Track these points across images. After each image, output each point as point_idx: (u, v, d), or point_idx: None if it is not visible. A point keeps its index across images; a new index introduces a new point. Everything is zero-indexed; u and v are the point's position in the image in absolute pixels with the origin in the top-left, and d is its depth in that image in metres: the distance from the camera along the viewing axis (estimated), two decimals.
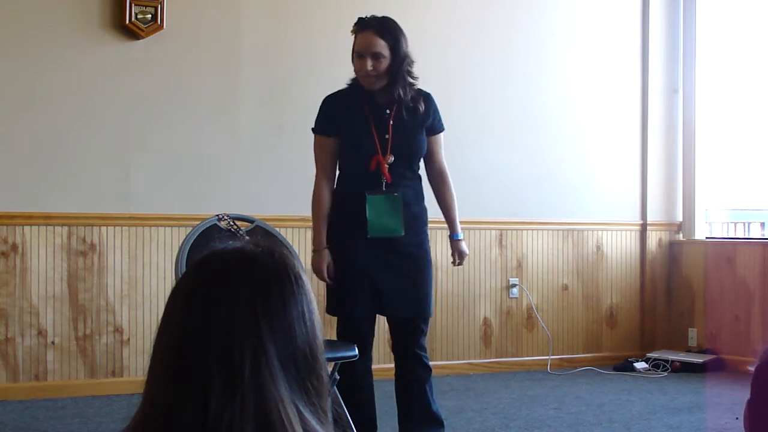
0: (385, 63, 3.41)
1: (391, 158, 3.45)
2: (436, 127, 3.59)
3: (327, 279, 3.51)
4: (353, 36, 3.50)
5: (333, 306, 3.57)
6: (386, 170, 3.44)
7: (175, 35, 5.19)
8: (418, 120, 3.51)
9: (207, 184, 5.25)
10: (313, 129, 3.59)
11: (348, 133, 3.49)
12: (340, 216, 3.53)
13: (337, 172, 3.60)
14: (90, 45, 5.05)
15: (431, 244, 3.71)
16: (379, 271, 3.48)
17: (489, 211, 5.92)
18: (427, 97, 3.56)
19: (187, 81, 5.25)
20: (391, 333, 3.68)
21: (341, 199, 3.54)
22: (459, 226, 3.67)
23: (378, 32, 3.42)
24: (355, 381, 3.52)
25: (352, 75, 3.58)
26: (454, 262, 3.72)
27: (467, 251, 3.72)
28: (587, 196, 6.27)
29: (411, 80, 3.49)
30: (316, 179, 3.56)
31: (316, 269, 3.53)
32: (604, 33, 6.37)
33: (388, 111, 3.48)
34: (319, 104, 3.61)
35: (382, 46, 3.41)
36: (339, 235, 3.54)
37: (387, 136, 3.45)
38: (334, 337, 3.64)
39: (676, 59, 6.52)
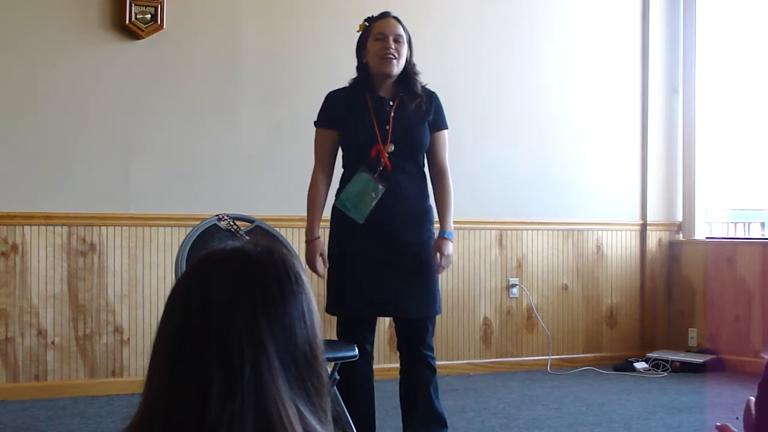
0: (403, 50, 3.48)
1: (391, 147, 3.45)
2: (439, 124, 3.59)
3: (318, 271, 3.50)
4: (361, 31, 3.55)
5: (332, 304, 3.55)
6: (386, 157, 3.44)
7: (175, 35, 5.19)
8: (420, 114, 3.52)
9: (207, 184, 5.25)
10: (315, 122, 3.61)
11: (349, 124, 3.50)
12: (341, 214, 3.51)
13: (341, 171, 3.61)
14: (90, 45, 5.05)
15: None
16: (380, 270, 3.46)
17: (489, 211, 5.92)
18: (430, 95, 3.58)
19: (187, 81, 5.25)
20: (396, 332, 3.64)
21: (349, 178, 3.51)
22: (450, 225, 3.57)
23: (398, 21, 3.53)
24: (355, 380, 3.51)
25: (352, 75, 3.59)
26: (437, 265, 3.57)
27: (450, 255, 3.53)
28: (587, 196, 6.27)
29: (419, 78, 3.55)
30: (313, 172, 3.57)
31: (309, 260, 3.51)
32: (605, 33, 6.38)
33: (390, 103, 3.50)
34: (322, 100, 3.63)
35: (403, 32, 3.50)
36: (339, 233, 3.53)
37: (387, 127, 3.46)
38: (334, 337, 3.63)
39: (676, 59, 6.52)
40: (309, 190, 3.57)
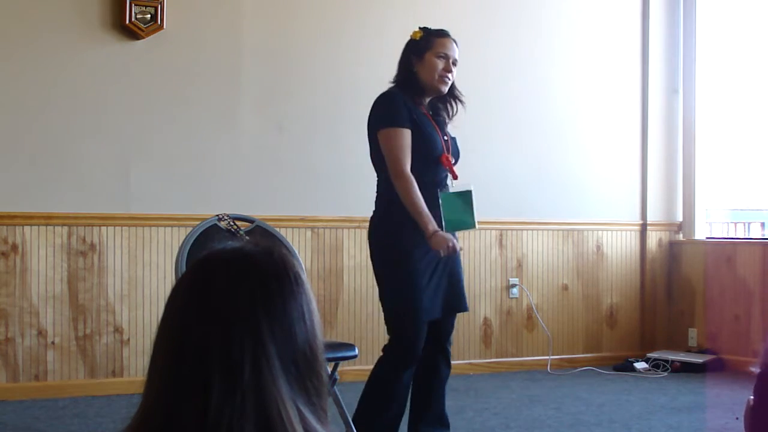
0: (455, 73, 3.57)
1: (453, 159, 3.57)
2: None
3: (455, 251, 3.43)
4: (417, 39, 3.56)
5: (410, 308, 3.45)
6: (453, 168, 3.55)
7: (175, 35, 5.19)
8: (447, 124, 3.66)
9: (207, 184, 5.25)
10: (385, 123, 3.47)
11: (421, 129, 3.48)
12: (401, 216, 3.44)
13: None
14: (90, 45, 5.05)
15: None
16: (442, 270, 3.51)
17: (489, 211, 5.91)
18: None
19: (187, 81, 5.25)
20: (434, 328, 3.58)
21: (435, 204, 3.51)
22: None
23: (456, 44, 3.59)
24: (407, 381, 3.51)
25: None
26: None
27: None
28: (587, 196, 6.27)
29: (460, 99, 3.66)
30: (401, 173, 3.42)
31: (443, 246, 3.38)
32: (605, 33, 6.38)
33: (440, 118, 3.61)
34: (381, 100, 3.52)
35: (458, 57, 3.58)
36: (405, 236, 3.45)
37: (446, 138, 3.57)
38: (336, 338, 3.63)
39: (676, 59, 6.52)
40: (411, 190, 3.39)
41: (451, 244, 3.39)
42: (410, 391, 3.59)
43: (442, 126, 3.58)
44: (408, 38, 3.60)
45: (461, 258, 3.66)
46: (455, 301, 3.59)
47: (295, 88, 5.46)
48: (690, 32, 6.49)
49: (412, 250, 3.42)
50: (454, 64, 3.55)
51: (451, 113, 3.65)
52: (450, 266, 3.54)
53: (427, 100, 3.58)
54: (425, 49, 3.53)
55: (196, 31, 5.27)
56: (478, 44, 5.96)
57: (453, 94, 3.62)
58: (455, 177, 3.54)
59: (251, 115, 5.39)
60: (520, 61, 6.11)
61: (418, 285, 3.42)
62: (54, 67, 4.98)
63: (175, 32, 5.19)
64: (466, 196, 3.56)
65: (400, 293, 3.45)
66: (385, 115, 3.46)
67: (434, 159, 3.49)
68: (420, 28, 3.61)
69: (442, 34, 3.59)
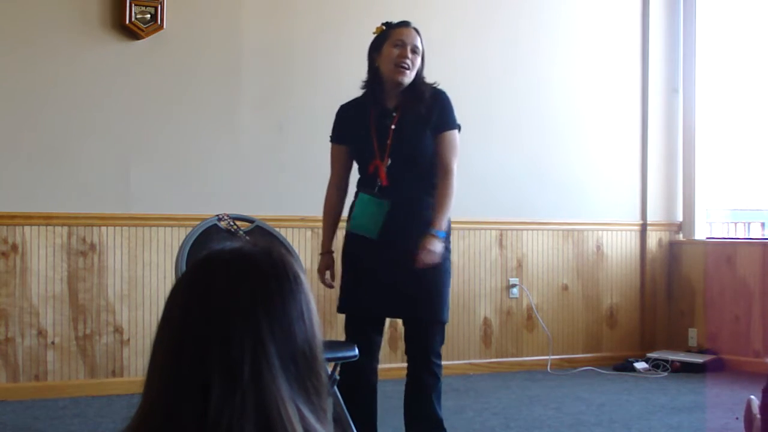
0: (417, 62, 3.52)
1: (388, 162, 3.51)
2: (443, 125, 3.54)
3: (325, 282, 3.67)
4: (378, 34, 3.56)
5: (342, 302, 3.63)
6: (383, 173, 3.50)
7: (175, 35, 5.20)
8: (422, 121, 3.51)
9: (207, 184, 5.25)
10: (329, 137, 3.73)
11: (353, 141, 3.63)
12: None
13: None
14: (90, 45, 5.05)
15: None
16: (388, 272, 3.48)
17: (489, 210, 5.92)
18: (437, 95, 3.55)
19: (187, 81, 5.25)
20: (405, 337, 3.64)
21: (355, 202, 3.64)
22: (441, 224, 3.48)
23: (417, 32, 3.55)
24: (357, 381, 3.53)
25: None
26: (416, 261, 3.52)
27: (433, 251, 3.42)
28: (587, 196, 6.27)
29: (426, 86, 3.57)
30: (328, 185, 3.73)
31: (318, 271, 3.70)
32: (605, 33, 6.38)
33: (393, 114, 3.52)
34: (329, 109, 3.76)
35: (420, 44, 3.53)
36: (353, 239, 3.60)
37: (387, 141, 3.51)
38: (336, 338, 3.65)
39: (676, 59, 6.52)
40: (324, 204, 3.72)
41: (319, 270, 3.67)
42: (403, 400, 3.64)
43: (383, 129, 3.50)
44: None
45: (449, 266, 3.57)
46: (403, 306, 3.52)
47: (295, 88, 5.46)
48: (690, 32, 6.49)
49: (350, 250, 3.61)
50: (415, 51, 3.48)
51: (423, 105, 3.50)
52: (400, 269, 3.46)
53: (395, 94, 3.51)
54: (383, 41, 3.53)
55: (196, 31, 5.27)
56: (478, 44, 5.96)
57: (423, 84, 3.52)
58: (384, 183, 3.49)
59: (251, 115, 5.39)
60: (521, 61, 6.11)
61: (344, 280, 3.60)
62: (54, 66, 4.98)
63: (175, 32, 5.19)
64: (380, 206, 3.50)
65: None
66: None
67: (365, 165, 3.58)
68: (382, 23, 3.59)
69: (400, 24, 3.56)
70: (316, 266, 5.48)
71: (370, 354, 3.53)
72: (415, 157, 3.53)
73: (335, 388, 3.41)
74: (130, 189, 5.11)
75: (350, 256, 3.59)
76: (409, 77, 3.49)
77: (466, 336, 5.86)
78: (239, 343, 1.09)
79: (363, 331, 3.55)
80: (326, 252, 3.68)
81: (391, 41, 3.50)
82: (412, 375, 3.60)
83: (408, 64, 3.47)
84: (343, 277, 3.63)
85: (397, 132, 3.50)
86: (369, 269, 3.52)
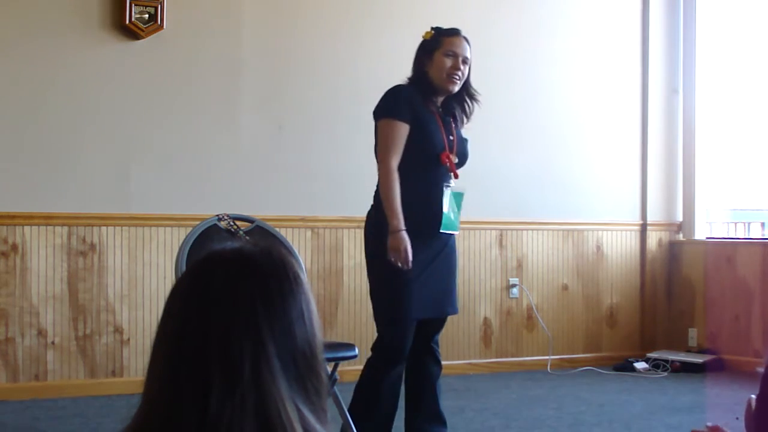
0: (466, 72, 3.55)
1: (455, 158, 3.53)
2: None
3: (407, 263, 3.34)
4: (428, 38, 3.56)
5: (411, 314, 3.42)
6: (454, 167, 3.50)
7: (175, 35, 5.19)
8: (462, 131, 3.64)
9: (207, 184, 5.25)
10: (384, 114, 3.46)
11: (422, 125, 3.46)
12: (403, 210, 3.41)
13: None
14: (90, 45, 5.05)
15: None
16: (444, 272, 3.52)
17: (489, 211, 5.92)
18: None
19: (187, 81, 5.25)
20: (417, 330, 3.55)
21: (407, 193, 3.42)
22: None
23: (468, 43, 3.58)
24: (399, 379, 3.51)
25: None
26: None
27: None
28: (587, 196, 6.27)
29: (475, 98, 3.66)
30: (384, 162, 3.41)
31: (397, 249, 3.32)
32: (605, 33, 6.38)
33: (450, 117, 3.58)
34: (389, 92, 3.50)
35: (469, 54, 3.56)
36: (423, 233, 3.45)
37: (451, 138, 3.54)
38: (335, 338, 3.63)
39: (676, 59, 6.52)
40: (388, 181, 3.38)
41: (404, 254, 3.31)
42: (404, 390, 3.59)
43: (447, 125, 3.54)
44: (421, 39, 3.61)
45: (457, 259, 3.64)
46: (445, 302, 3.56)
47: (295, 88, 5.46)
48: (690, 32, 6.49)
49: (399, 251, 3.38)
50: (465, 62, 3.52)
51: (468, 112, 3.63)
52: (442, 266, 3.51)
53: (440, 99, 3.57)
54: (435, 48, 3.53)
55: (196, 31, 5.27)
56: (478, 44, 5.95)
57: (468, 93, 3.61)
58: (456, 176, 3.52)
59: (251, 115, 5.39)
60: (521, 61, 6.11)
61: (405, 281, 3.37)
62: (54, 66, 4.98)
63: (175, 32, 5.19)
64: (459, 199, 3.55)
65: (388, 287, 3.43)
66: (386, 106, 3.47)
67: (434, 156, 3.46)
68: (432, 28, 3.61)
69: (451, 32, 3.58)
70: (315, 266, 5.53)
71: (406, 357, 3.54)
72: (464, 164, 3.61)
73: (335, 388, 3.41)
74: (130, 189, 5.11)
75: (414, 261, 3.35)
76: (458, 87, 3.55)
77: (466, 336, 5.86)
78: (239, 343, 1.09)
79: (409, 335, 3.50)
80: (402, 229, 3.34)
81: (443, 50, 3.51)
82: (417, 364, 3.58)
83: (460, 76, 3.52)
84: (398, 281, 3.38)
85: (458, 133, 3.58)
86: (432, 271, 3.46)
